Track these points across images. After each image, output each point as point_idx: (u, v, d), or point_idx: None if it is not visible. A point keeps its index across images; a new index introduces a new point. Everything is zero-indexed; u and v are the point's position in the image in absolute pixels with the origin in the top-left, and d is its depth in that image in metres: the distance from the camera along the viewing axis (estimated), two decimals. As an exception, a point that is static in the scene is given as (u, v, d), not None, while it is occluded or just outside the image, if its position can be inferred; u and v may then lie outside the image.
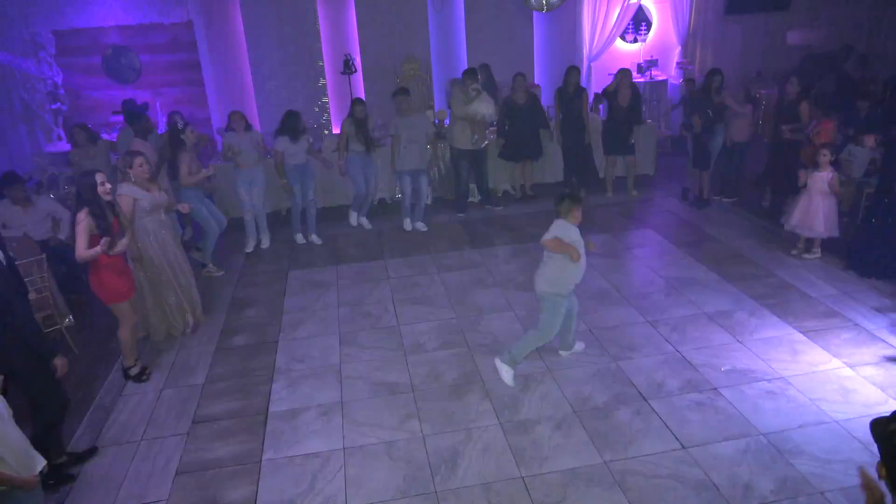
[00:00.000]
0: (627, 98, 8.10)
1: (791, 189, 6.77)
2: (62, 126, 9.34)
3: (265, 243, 7.56)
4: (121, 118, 8.16)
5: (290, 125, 7.16)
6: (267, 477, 3.88)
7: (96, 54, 9.34)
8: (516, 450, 3.97)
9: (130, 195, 5.03)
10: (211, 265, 6.89)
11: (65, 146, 8.99)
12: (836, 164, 6.44)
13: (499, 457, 3.93)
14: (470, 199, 8.55)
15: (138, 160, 5.11)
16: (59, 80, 9.33)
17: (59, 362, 3.70)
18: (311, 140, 7.57)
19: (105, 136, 8.49)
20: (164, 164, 6.78)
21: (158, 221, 5.28)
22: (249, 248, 7.46)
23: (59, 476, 3.89)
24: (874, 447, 3.73)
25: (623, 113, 8.12)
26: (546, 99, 9.42)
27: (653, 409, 4.27)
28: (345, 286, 6.40)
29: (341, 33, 9.75)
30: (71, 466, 3.99)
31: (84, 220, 4.38)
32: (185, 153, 6.38)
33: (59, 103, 9.34)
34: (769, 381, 4.51)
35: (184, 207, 5.89)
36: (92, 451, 4.14)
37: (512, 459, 3.89)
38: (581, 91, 8.18)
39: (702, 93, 7.96)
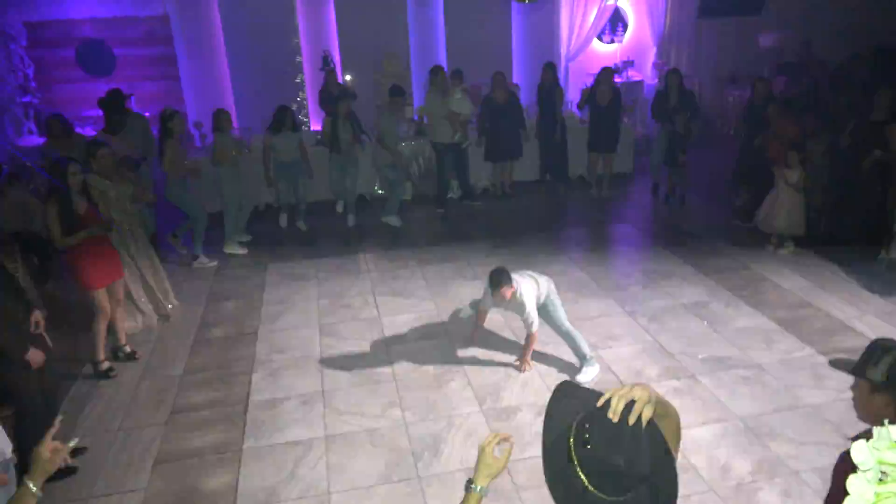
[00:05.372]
0: (608, 97, 8.21)
1: (763, 186, 6.90)
2: (33, 119, 9.16)
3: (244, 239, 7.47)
4: (95, 112, 8.02)
5: (281, 120, 7.13)
6: (248, 465, 3.85)
7: (69, 47, 9.18)
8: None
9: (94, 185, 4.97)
10: (203, 256, 6.80)
11: (36, 140, 8.82)
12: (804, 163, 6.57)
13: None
14: (449, 195, 8.58)
15: (101, 151, 5.08)
16: (30, 72, 9.15)
17: (33, 355, 3.59)
18: (302, 138, 7.55)
19: (78, 131, 8.34)
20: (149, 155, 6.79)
21: (122, 213, 5.21)
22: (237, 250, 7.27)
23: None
24: (845, 429, 3.85)
25: (604, 111, 8.23)
26: (525, 97, 9.50)
27: (632, 395, 4.32)
28: (324, 279, 6.37)
29: (320, 29, 9.72)
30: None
31: (51, 208, 4.37)
32: (171, 141, 6.36)
33: (30, 96, 9.16)
34: (745, 368, 4.60)
35: (148, 196, 5.82)
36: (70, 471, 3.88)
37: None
38: (555, 87, 8.29)
39: (664, 95, 8.13)
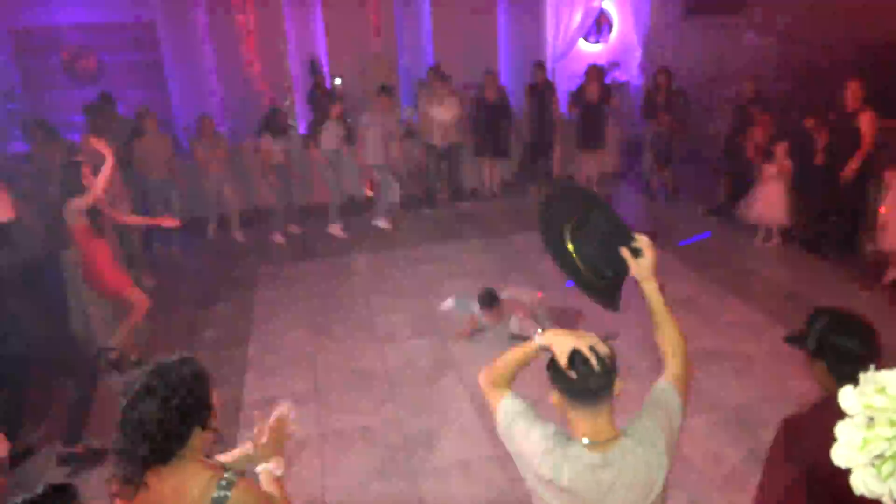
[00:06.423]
0: (597, 94, 8.28)
1: (747, 182, 6.96)
2: (19, 126, 9.09)
3: (240, 238, 7.59)
4: (83, 118, 7.99)
5: (273, 122, 7.19)
6: (242, 464, 3.83)
7: (55, 54, 9.14)
8: (492, 430, 3.99)
9: None
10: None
11: (22, 147, 8.76)
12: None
13: (475, 437, 3.96)
14: (438, 196, 8.59)
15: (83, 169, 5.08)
16: (16, 79, 9.10)
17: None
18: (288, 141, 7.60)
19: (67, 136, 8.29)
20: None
21: None
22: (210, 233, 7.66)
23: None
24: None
25: (593, 108, 8.30)
26: (511, 99, 9.53)
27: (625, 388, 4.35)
28: (316, 280, 6.37)
29: (307, 34, 9.72)
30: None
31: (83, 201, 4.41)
32: (141, 141, 6.56)
33: (15, 103, 9.11)
34: (735, 359, 4.64)
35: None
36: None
37: (488, 439, 3.92)
38: (549, 86, 8.35)
39: (653, 92, 8.21)
